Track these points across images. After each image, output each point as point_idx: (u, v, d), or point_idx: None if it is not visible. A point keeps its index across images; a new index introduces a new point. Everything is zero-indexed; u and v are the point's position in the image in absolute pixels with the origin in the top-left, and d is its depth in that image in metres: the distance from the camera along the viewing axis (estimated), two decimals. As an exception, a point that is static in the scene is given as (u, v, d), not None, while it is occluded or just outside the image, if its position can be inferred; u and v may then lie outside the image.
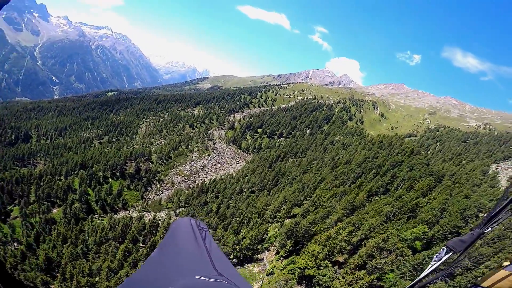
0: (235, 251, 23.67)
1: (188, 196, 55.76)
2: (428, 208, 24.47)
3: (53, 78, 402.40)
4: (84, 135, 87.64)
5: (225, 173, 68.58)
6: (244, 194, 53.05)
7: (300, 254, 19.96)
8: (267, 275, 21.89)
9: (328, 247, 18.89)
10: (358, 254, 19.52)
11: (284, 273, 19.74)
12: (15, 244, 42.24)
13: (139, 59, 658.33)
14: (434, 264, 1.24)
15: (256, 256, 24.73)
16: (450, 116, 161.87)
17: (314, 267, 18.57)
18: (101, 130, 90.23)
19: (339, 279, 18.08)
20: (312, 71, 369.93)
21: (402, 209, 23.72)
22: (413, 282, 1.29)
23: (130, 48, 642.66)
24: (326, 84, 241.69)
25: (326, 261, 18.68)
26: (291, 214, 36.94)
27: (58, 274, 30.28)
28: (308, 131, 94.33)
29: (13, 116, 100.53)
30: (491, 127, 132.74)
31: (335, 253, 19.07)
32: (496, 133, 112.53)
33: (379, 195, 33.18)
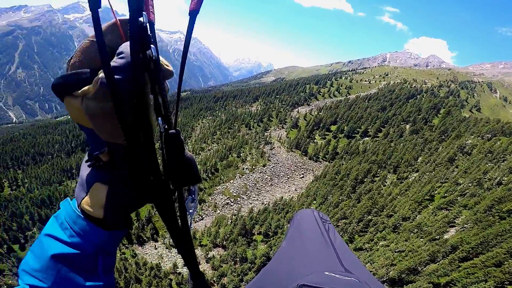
0: None
1: (226, 233, 38.52)
2: None
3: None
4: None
5: (282, 196, 48.44)
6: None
7: None
8: None
9: None
10: None
11: None
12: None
13: (210, 59, 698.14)
14: None
15: None
16: None
17: None
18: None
19: None
20: (389, 54, 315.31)
21: None
22: None
23: (202, 50, 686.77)
24: (410, 67, 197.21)
25: None
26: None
27: None
28: (408, 127, 64.41)
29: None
30: None
31: None
32: None
33: None
